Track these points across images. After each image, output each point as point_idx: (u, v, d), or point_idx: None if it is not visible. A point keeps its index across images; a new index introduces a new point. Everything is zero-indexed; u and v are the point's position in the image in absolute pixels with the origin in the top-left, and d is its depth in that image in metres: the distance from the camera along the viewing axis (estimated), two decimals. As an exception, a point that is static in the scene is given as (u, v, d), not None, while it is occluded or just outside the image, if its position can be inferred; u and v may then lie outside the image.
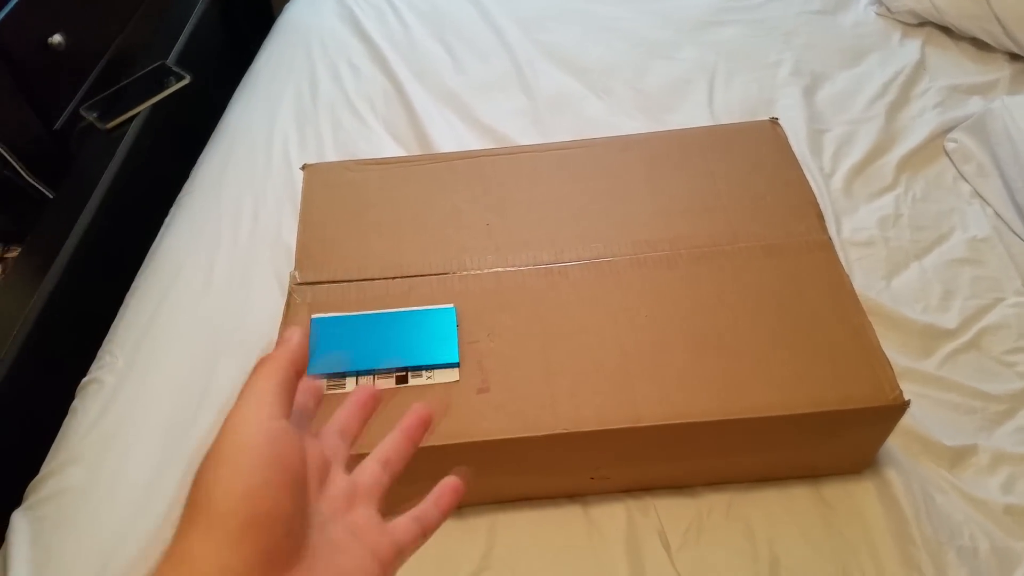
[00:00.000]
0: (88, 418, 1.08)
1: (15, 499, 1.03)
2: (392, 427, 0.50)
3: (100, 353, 1.17)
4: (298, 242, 1.06)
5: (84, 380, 1.14)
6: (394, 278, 1.01)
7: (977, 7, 1.54)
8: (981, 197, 1.32)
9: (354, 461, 0.48)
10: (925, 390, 1.08)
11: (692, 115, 1.49)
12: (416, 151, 1.44)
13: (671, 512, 0.97)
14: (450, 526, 0.94)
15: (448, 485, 0.51)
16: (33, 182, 1.27)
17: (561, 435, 0.87)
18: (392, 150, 1.45)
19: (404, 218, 1.08)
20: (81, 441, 1.06)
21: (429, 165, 1.15)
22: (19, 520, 1.00)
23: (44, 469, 1.05)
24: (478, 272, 1.01)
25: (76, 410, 1.10)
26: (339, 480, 0.46)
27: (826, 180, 1.35)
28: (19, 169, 1.24)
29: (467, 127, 1.48)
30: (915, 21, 1.64)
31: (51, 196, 1.29)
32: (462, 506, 0.97)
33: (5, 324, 1.10)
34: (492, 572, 0.93)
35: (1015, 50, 1.54)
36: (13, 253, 1.24)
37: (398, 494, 0.93)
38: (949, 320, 1.16)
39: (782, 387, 0.90)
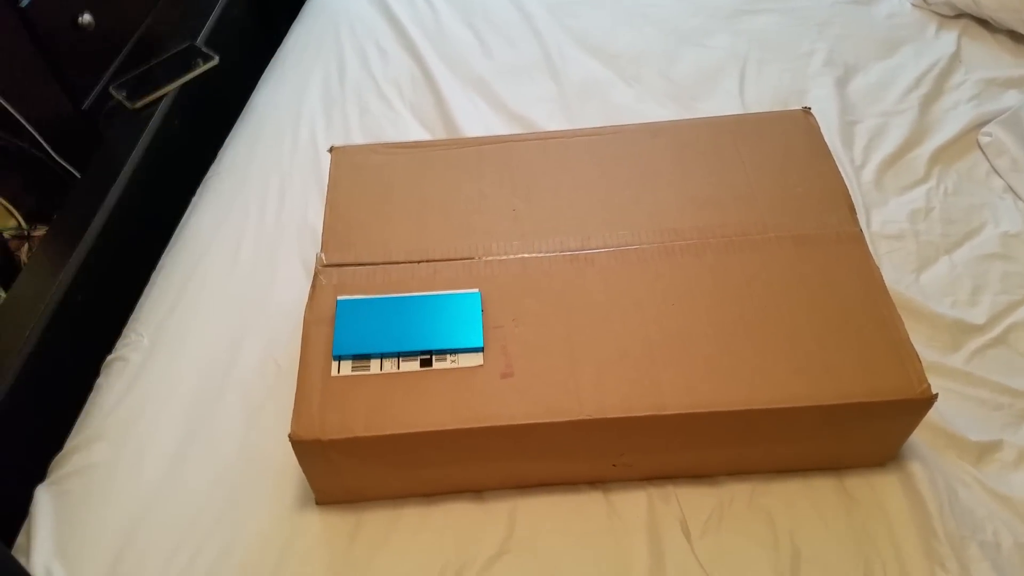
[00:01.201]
0: (113, 395, 1.09)
1: (39, 474, 1.04)
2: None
3: (125, 332, 1.17)
4: (325, 224, 1.06)
5: (109, 358, 1.14)
6: (419, 262, 1.01)
7: (1015, -1, 1.51)
8: (1014, 192, 1.30)
9: None
10: (952, 385, 1.07)
11: (723, 104, 1.47)
12: (442, 136, 1.44)
13: (692, 500, 0.96)
14: (471, 509, 0.95)
15: None
16: (61, 161, 1.28)
17: (584, 421, 0.87)
18: (418, 134, 1.44)
19: (430, 202, 1.08)
20: (106, 418, 1.07)
21: (456, 150, 1.15)
22: (43, 495, 1.01)
23: (68, 444, 1.06)
24: (503, 257, 1.01)
25: (101, 387, 1.11)
26: None
27: (857, 172, 1.33)
28: (47, 148, 1.25)
29: (494, 112, 1.48)
30: (951, 13, 1.61)
31: (78, 176, 1.30)
32: (484, 490, 0.97)
33: (32, 302, 1.11)
34: (512, 556, 0.93)
35: (1054, 44, 1.52)
36: (40, 232, 1.25)
37: (416, 477, 0.93)
38: (978, 315, 1.15)
39: (809, 378, 0.89)
